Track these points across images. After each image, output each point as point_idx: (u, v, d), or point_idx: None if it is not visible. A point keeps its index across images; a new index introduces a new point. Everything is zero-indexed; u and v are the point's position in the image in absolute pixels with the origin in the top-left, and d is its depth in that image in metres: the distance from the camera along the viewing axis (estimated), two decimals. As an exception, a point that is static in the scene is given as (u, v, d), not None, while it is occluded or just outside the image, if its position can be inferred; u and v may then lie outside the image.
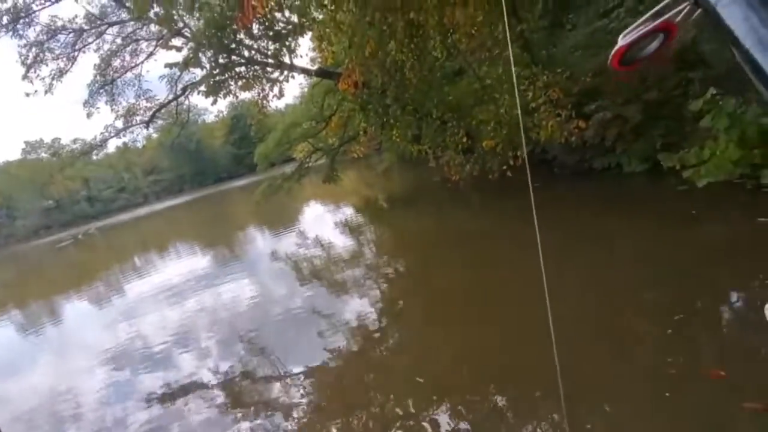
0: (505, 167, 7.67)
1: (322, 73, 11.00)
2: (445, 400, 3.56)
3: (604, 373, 3.28)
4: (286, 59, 9.82)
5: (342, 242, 10.42)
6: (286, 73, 10.45)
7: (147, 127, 12.54)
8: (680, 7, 0.36)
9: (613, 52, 0.40)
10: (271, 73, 10.32)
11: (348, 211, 14.61)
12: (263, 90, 10.40)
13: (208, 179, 67.05)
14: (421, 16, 6.53)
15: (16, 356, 8.16)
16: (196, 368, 5.44)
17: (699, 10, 0.36)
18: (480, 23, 6.59)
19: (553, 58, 8.26)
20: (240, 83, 9.87)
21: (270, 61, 10.25)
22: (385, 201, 14.36)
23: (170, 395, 4.92)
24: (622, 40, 0.39)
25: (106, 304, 10.82)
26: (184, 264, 13.28)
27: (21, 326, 11.14)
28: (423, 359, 4.31)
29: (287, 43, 8.95)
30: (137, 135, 13.83)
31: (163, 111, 12.37)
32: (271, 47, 9.35)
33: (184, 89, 11.40)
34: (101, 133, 12.19)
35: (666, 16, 0.37)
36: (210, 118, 65.84)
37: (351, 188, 18.34)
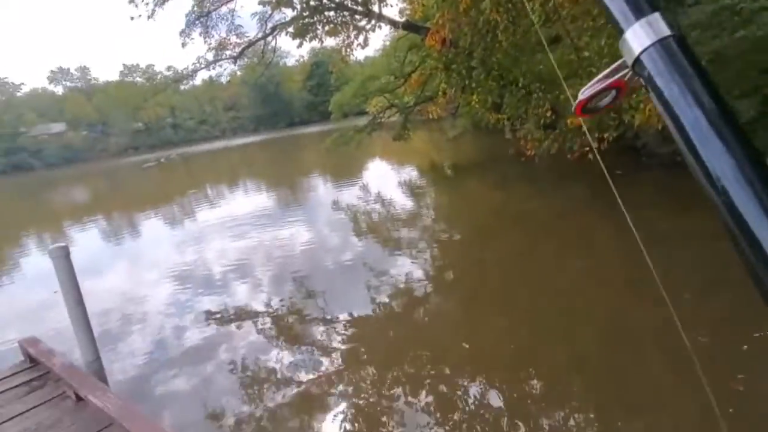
0: (587, 149, 7.10)
1: (409, 27, 10.61)
2: (484, 372, 3.51)
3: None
4: (375, 8, 9.54)
5: (402, 202, 10.38)
6: (373, 22, 10.20)
7: (234, 63, 12.86)
8: (624, 72, 0.42)
9: (575, 103, 0.47)
10: (359, 20, 10.12)
11: (412, 173, 14.46)
12: (348, 37, 10.26)
13: (282, 122, 69.13)
14: (525, -27, 5.98)
15: (98, 260, 9.09)
16: (249, 298, 5.76)
17: (636, 78, 0.41)
18: (589, -14, 5.93)
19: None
20: (327, 28, 9.79)
21: (359, 8, 10.02)
22: (451, 167, 14.03)
23: (223, 318, 5.28)
24: (581, 95, 0.46)
25: (178, 226, 11.70)
26: (249, 200, 13.95)
27: (105, 234, 12.37)
28: (467, 328, 4.25)
29: (378, -9, 8.66)
30: (224, 70, 14.30)
31: (250, 49, 12.61)
32: (362, -6, 9.11)
33: (273, 29, 11.49)
34: (192, 63, 12.67)
35: (615, 77, 0.43)
36: (291, 62, 66.85)
37: (419, 150, 18.07)
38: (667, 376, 3.11)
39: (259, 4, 10.97)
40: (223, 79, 16.23)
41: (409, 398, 3.36)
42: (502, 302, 4.72)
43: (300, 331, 4.78)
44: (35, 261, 9.78)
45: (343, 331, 4.60)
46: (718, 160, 0.34)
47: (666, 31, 0.37)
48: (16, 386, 3.07)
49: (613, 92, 0.45)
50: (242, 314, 5.31)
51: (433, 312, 4.88)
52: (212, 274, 6.98)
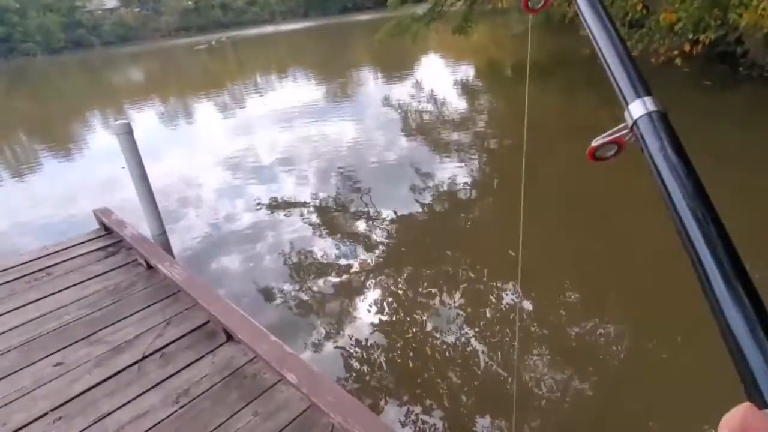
0: (675, 52, 6.25)
1: None
2: (526, 281, 3.54)
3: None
4: None
5: (455, 103, 9.87)
6: None
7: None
8: (624, 132, 0.53)
9: (588, 149, 0.57)
10: None
11: (470, 71, 13.51)
12: None
13: (334, 6, 64.92)
14: None
15: (157, 142, 9.48)
16: (297, 190, 5.92)
17: (633, 137, 0.52)
18: None
19: None
20: None
21: None
22: (512, 68, 12.95)
23: (271, 206, 5.50)
24: (594, 143, 0.56)
25: (230, 114, 11.83)
26: (299, 91, 13.70)
27: (161, 117, 12.74)
28: (512, 238, 4.22)
29: None
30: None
31: None
32: None
33: None
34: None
35: (618, 135, 0.54)
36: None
37: (480, 45, 16.65)
38: None
39: None
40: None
41: (444, 297, 3.49)
42: (550, 216, 4.59)
43: (344, 223, 4.93)
44: (101, 138, 10.37)
45: (385, 227, 4.70)
46: (686, 215, 0.42)
47: (658, 108, 0.51)
48: (95, 250, 3.42)
49: (615, 147, 0.56)
50: (289, 205, 5.50)
51: (477, 217, 4.85)
52: (262, 163, 7.15)
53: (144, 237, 3.39)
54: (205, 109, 12.98)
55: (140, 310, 2.69)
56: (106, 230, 3.66)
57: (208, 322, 2.52)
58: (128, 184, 3.58)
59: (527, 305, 3.33)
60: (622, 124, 0.54)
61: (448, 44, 15.86)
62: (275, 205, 5.50)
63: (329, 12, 64.00)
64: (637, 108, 0.52)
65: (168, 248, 3.50)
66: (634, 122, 0.52)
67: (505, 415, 2.45)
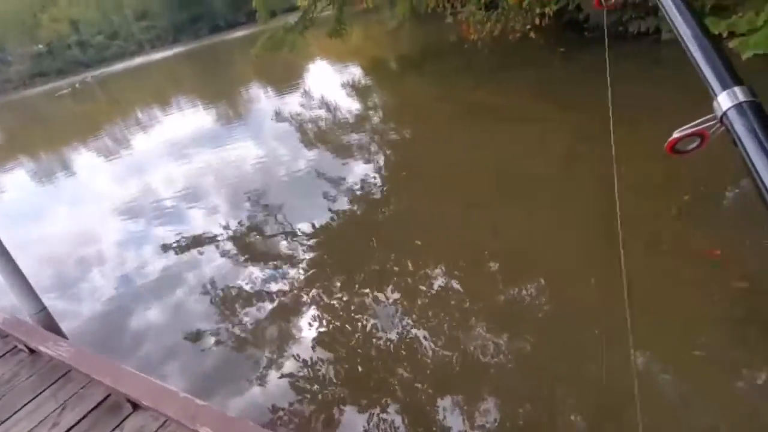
0: (528, 27, 6.94)
1: None
2: (441, 264, 3.77)
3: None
4: None
5: (347, 105, 10.02)
6: None
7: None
8: (710, 124, 0.52)
9: (668, 140, 0.55)
10: None
11: (355, 71, 13.77)
12: None
13: (204, 27, 62.10)
14: None
15: (35, 205, 8.50)
16: (207, 223, 5.68)
17: (723, 128, 0.51)
18: None
19: None
20: None
21: None
22: (394, 61, 13.45)
23: (183, 246, 5.23)
24: (675, 134, 0.54)
25: (114, 158, 10.91)
26: (186, 120, 13.03)
27: (35, 175, 11.41)
28: (422, 227, 4.45)
29: None
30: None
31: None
32: None
33: None
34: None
35: (702, 126, 0.52)
36: (201, -48, 58.11)
37: (358, 46, 17.02)
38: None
39: None
40: (125, -18, 13.99)
41: (377, 294, 3.60)
42: (453, 195, 4.90)
43: (264, 247, 4.84)
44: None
45: (305, 241, 4.70)
46: None
47: (751, 98, 0.50)
48: (-38, 349, 3.02)
49: (698, 140, 0.55)
50: (202, 240, 5.26)
51: (390, 214, 5.02)
52: (162, 203, 6.73)
53: (20, 320, 3.07)
54: (84, 157, 11.86)
55: (29, 402, 2.44)
56: (-27, 322, 3.25)
57: (109, 395, 2.34)
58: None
59: (453, 287, 3.55)
60: (710, 115, 0.53)
61: (328, 49, 16.01)
62: (186, 245, 5.23)
63: (200, 34, 61.11)
64: (727, 99, 0.50)
65: (52, 325, 3.17)
66: (724, 113, 0.50)
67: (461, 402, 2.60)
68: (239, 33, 41.79)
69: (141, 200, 7.02)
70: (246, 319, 3.72)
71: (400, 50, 15.06)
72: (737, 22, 4.75)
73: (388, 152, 6.77)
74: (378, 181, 5.70)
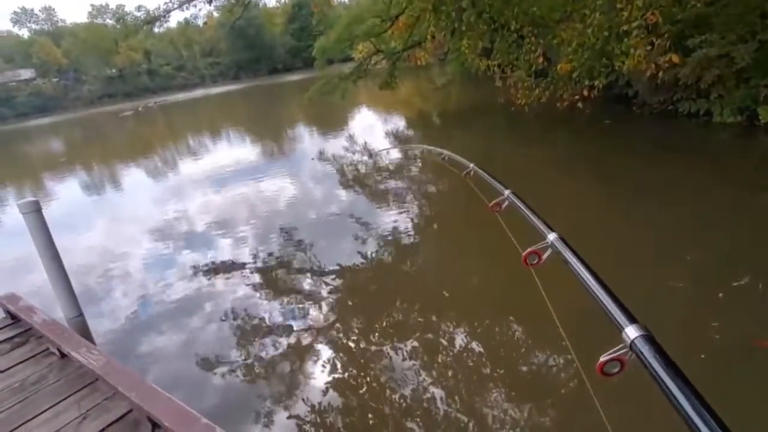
0: (576, 97, 6.96)
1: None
2: (465, 320, 3.59)
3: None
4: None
5: (390, 152, 10.20)
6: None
7: (209, 3, 12.05)
8: (624, 351, 0.67)
9: (596, 364, 0.69)
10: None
11: (400, 122, 14.13)
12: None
13: (263, 68, 66.41)
14: None
15: (79, 215, 8.88)
16: (236, 252, 5.72)
17: (633, 355, 0.67)
18: None
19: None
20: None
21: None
22: (439, 116, 13.74)
23: (210, 271, 5.25)
24: (601, 358, 0.69)
25: (160, 179, 11.41)
26: (233, 152, 13.58)
27: (85, 188, 12.02)
28: (451, 279, 4.30)
29: None
30: (199, 10, 13.36)
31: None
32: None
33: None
34: (164, 2, 11.82)
35: (619, 353, 0.68)
36: (271, 2, 63.23)
37: (406, 98, 17.59)
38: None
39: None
40: (200, 22, 15.19)
41: (396, 344, 3.44)
42: (482, 253, 4.76)
43: (288, 282, 4.78)
44: (11, 216, 9.53)
45: (330, 281, 4.62)
46: (689, 412, 0.55)
47: (645, 332, 0.66)
48: (-1, 343, 3.04)
49: (618, 363, 0.67)
50: (229, 268, 5.27)
51: (419, 263, 4.91)
52: (195, 228, 6.87)
53: (56, 322, 3.07)
54: (133, 175, 12.44)
55: (52, 407, 2.38)
56: (13, 318, 3.29)
57: (131, 410, 2.27)
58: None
59: (475, 345, 3.35)
60: (620, 345, 0.67)
61: (377, 99, 16.61)
62: (213, 271, 5.25)
63: (260, 74, 65.30)
64: (632, 332, 0.67)
65: (86, 332, 3.20)
66: (632, 341, 0.66)
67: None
68: (295, 77, 44.28)
69: (176, 223, 7.20)
70: (261, 353, 3.61)
71: (446, 105, 15.42)
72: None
73: (423, 202, 6.73)
74: (410, 230, 5.63)
